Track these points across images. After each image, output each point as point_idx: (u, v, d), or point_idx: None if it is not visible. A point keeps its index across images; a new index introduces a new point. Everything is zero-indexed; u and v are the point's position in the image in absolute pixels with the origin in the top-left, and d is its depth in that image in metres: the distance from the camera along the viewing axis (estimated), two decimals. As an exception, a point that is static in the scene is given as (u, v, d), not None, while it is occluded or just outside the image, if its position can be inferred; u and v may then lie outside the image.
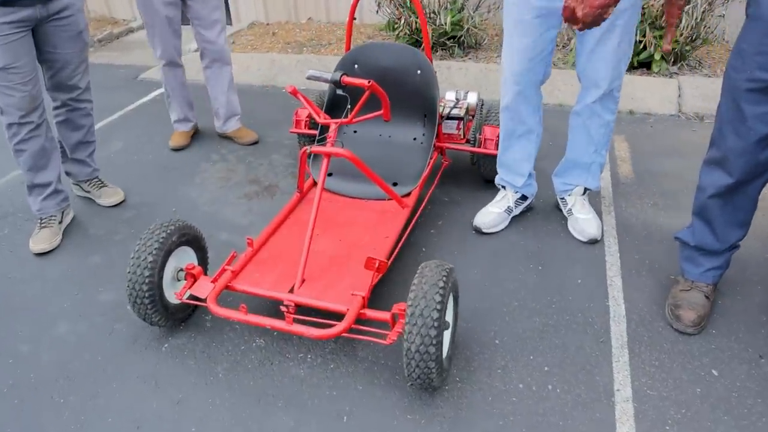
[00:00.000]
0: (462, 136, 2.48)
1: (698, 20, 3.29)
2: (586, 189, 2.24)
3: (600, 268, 2.06)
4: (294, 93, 1.90)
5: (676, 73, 3.41)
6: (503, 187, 2.31)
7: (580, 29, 1.52)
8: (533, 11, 1.89)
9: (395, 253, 1.94)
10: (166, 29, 2.72)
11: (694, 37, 3.34)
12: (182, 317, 1.86)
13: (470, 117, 2.53)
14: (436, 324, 1.45)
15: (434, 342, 1.44)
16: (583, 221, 2.19)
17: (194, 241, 1.85)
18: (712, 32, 3.44)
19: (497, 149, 2.31)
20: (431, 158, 2.29)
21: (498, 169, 2.31)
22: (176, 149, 3.03)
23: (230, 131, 3.07)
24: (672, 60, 3.42)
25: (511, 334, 1.81)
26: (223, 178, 2.76)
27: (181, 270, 1.79)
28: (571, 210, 2.24)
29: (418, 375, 1.49)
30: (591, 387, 1.64)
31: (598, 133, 2.09)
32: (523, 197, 2.30)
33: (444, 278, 1.52)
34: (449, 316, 1.64)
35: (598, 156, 2.15)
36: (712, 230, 1.76)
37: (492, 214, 2.26)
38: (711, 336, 1.78)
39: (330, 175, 2.25)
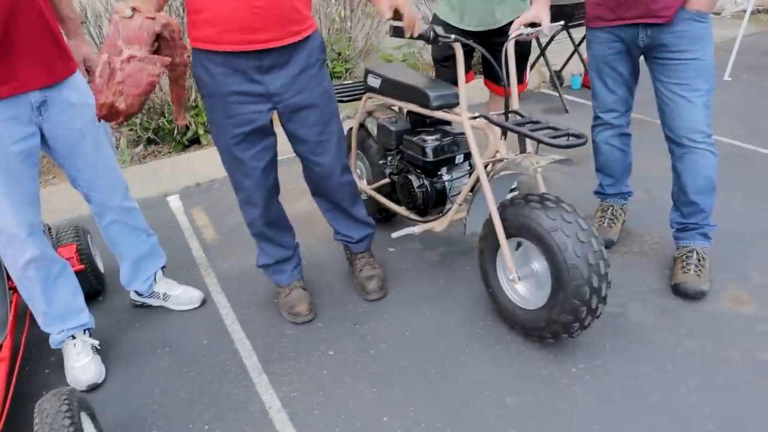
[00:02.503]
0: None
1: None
2: (163, 268, 2.35)
3: (219, 323, 2.27)
4: None
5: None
6: (72, 336, 2.03)
7: (121, 122, 1.56)
8: (18, 156, 1.74)
9: (4, 415, 1.73)
10: None
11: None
12: None
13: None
14: (74, 448, 1.40)
15: (78, 465, 1.39)
16: (184, 293, 2.34)
17: None
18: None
19: (79, 264, 2.29)
20: (11, 302, 2.11)
21: (49, 329, 2.01)
22: None
23: None
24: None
25: (165, 418, 1.85)
26: None
27: None
28: (166, 294, 2.32)
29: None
30: (249, 419, 1.82)
31: (138, 221, 2.19)
32: (90, 330, 2.13)
33: (66, 402, 1.47)
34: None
35: (151, 236, 2.27)
36: (277, 244, 2.20)
37: (89, 365, 1.99)
38: (319, 328, 2.19)
39: None
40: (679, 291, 2.20)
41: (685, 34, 2.03)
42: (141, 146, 3.67)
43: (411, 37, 1.81)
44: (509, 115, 2.00)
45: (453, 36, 1.85)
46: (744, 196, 2.88)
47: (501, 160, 2.00)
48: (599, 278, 1.77)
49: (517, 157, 1.93)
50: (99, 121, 1.57)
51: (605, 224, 2.56)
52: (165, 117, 3.68)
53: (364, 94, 2.54)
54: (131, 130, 3.72)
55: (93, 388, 1.98)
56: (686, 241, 2.30)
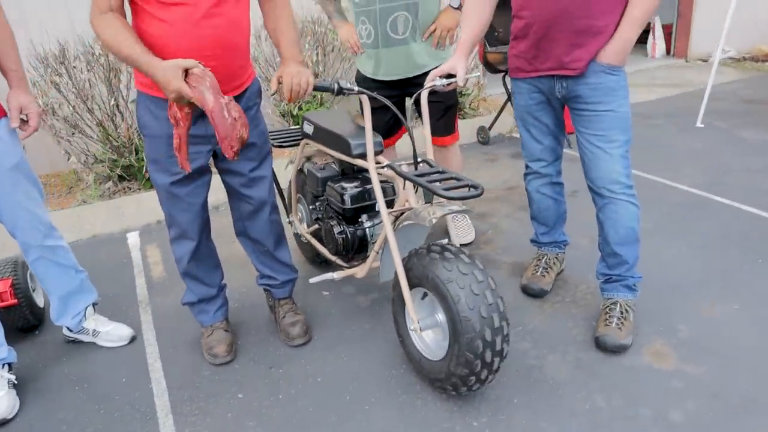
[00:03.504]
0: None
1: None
2: (94, 305, 2.40)
3: (142, 360, 2.30)
4: None
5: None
6: None
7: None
8: None
9: None
10: None
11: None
12: None
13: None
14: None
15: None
16: (114, 330, 2.39)
17: None
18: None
19: (12, 298, 2.35)
20: None
21: None
22: None
23: None
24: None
25: (64, 457, 1.87)
26: None
27: None
28: (96, 331, 2.37)
29: None
30: (144, 461, 1.84)
31: (65, 258, 2.25)
32: (11, 365, 2.17)
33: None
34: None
35: (80, 273, 2.33)
36: (202, 282, 2.24)
37: (1, 401, 2.03)
38: (236, 370, 2.21)
39: None
40: (599, 344, 2.18)
41: (598, 86, 2.06)
42: (111, 183, 3.78)
43: (322, 89, 1.87)
44: (419, 164, 2.03)
45: (356, 88, 1.91)
46: (688, 245, 2.85)
47: (410, 209, 2.03)
48: (492, 332, 1.76)
49: (418, 207, 1.96)
50: (233, 157, 1.65)
51: (538, 273, 2.55)
52: (136, 155, 3.80)
53: (302, 140, 2.60)
54: (103, 166, 3.84)
55: (2, 423, 2.01)
56: (610, 292, 2.28)
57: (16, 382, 2.13)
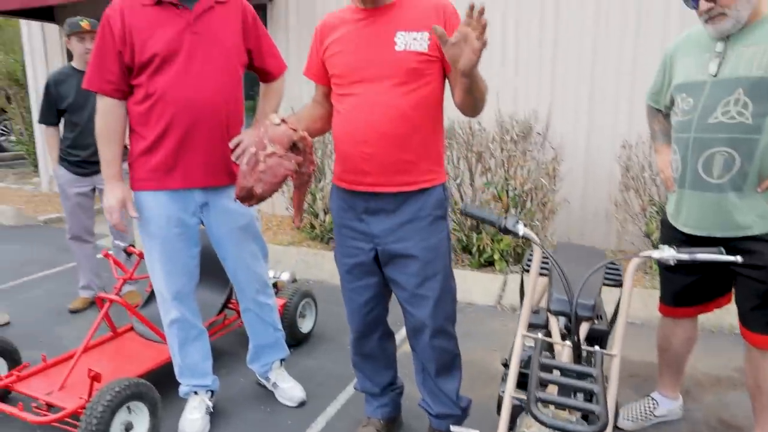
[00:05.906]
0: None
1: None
2: (281, 360, 2.59)
3: (313, 417, 2.41)
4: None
5: (515, 271, 3.90)
6: (195, 392, 2.39)
7: (251, 204, 1.84)
8: (178, 237, 2.15)
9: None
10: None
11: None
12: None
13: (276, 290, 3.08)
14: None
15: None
16: (289, 389, 2.54)
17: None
18: (537, 234, 3.98)
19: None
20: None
21: (180, 380, 2.38)
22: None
23: None
24: (512, 260, 3.95)
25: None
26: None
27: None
28: (275, 384, 2.56)
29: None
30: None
31: (269, 316, 2.47)
32: (212, 392, 2.45)
33: (115, 393, 2.02)
34: (140, 422, 2.12)
35: (277, 331, 2.54)
36: (366, 377, 2.21)
37: (197, 420, 2.32)
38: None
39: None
40: None
41: None
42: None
43: (482, 220, 1.58)
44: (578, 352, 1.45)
45: (523, 232, 1.49)
46: None
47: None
48: None
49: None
50: (236, 200, 1.85)
51: None
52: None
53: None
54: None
55: None
56: None
57: (212, 410, 2.41)
